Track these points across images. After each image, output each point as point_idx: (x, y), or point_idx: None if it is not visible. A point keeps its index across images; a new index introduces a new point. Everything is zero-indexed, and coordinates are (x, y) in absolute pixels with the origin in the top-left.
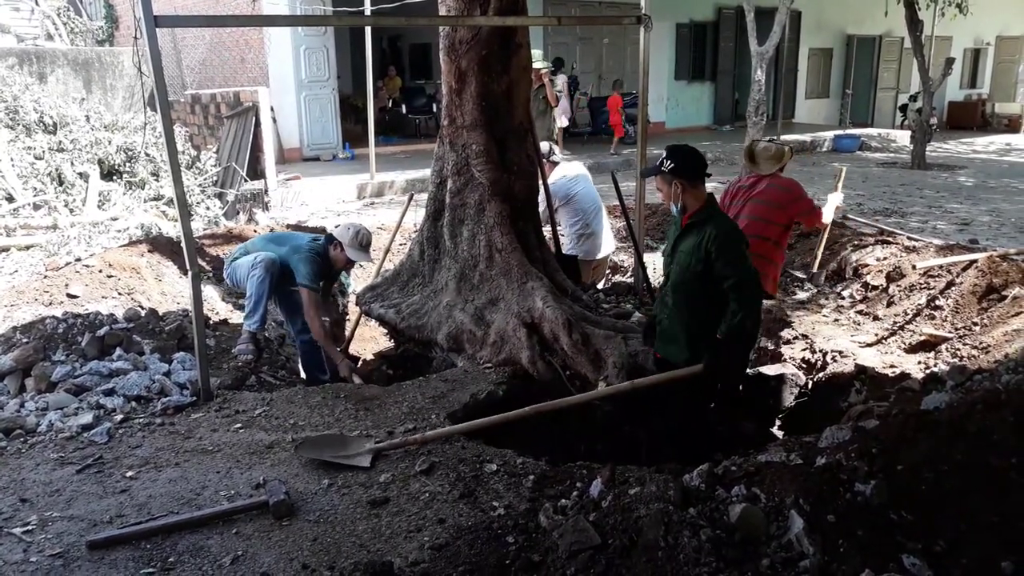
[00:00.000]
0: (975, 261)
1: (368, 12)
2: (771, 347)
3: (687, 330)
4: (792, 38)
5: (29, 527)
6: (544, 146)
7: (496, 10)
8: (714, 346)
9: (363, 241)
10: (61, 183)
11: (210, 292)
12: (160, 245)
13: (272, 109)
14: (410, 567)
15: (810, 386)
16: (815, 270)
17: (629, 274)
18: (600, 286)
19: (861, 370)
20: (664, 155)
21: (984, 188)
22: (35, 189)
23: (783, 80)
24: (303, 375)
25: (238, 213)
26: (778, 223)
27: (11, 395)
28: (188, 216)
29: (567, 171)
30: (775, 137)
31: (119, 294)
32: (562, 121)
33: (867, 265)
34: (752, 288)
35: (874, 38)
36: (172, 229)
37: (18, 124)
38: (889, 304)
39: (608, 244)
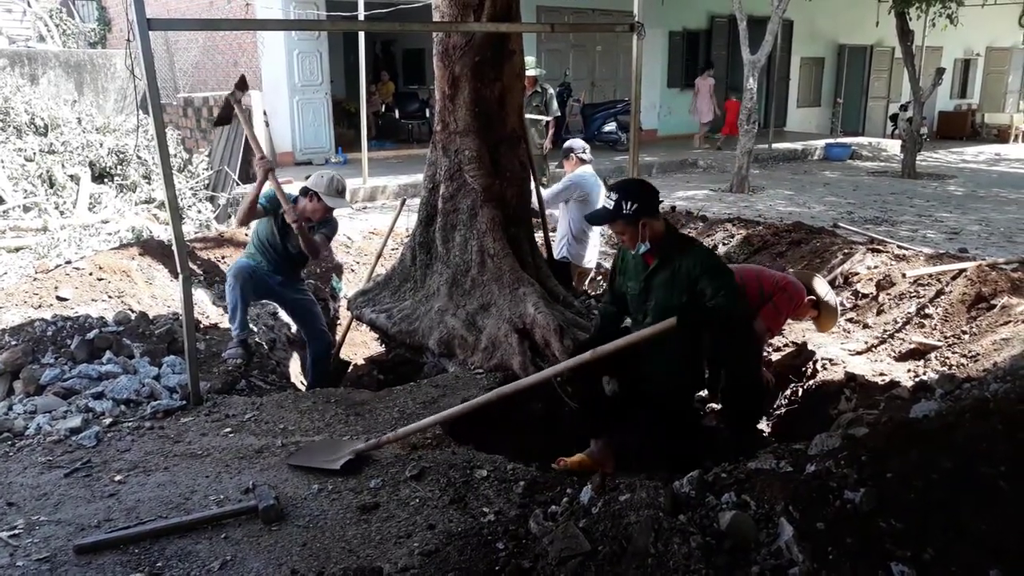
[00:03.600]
0: (964, 270)
1: (362, 17)
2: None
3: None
4: (784, 47)
5: (16, 531)
6: (579, 143)
7: (490, 16)
8: (692, 305)
9: (339, 187)
10: (52, 185)
11: (201, 296)
12: (151, 248)
13: (265, 113)
14: (400, 573)
15: (800, 393)
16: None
17: None
18: (590, 292)
19: (851, 378)
20: (616, 196)
21: (974, 197)
22: (25, 191)
23: (775, 89)
24: (302, 377)
25: (229, 217)
26: (761, 285)
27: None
28: (179, 219)
29: (591, 171)
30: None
31: (109, 297)
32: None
33: (857, 273)
34: (740, 307)
35: (865, 48)
36: (163, 232)
37: (9, 126)
38: (879, 312)
39: (593, 257)
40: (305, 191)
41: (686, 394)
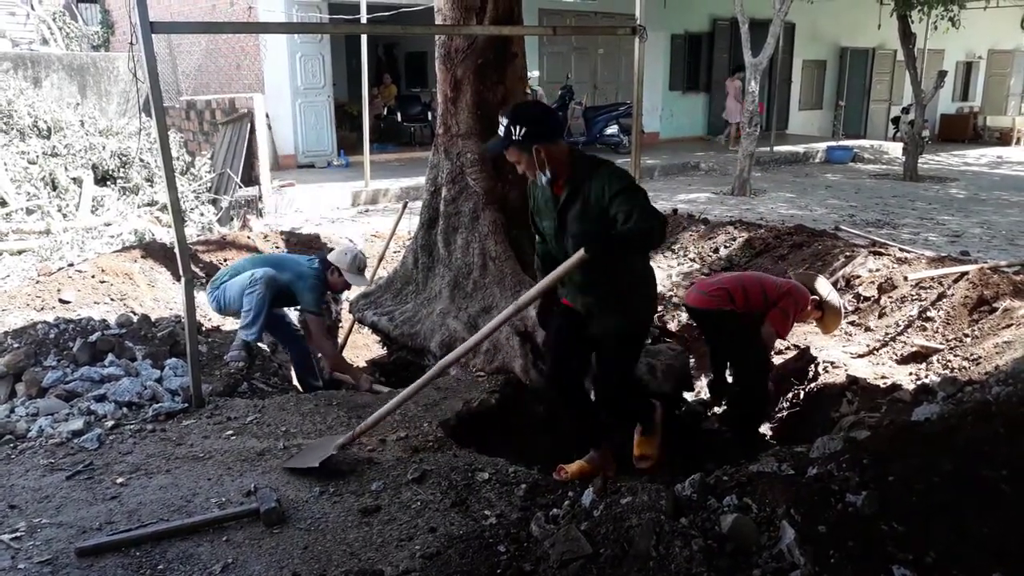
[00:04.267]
0: (966, 273)
1: (364, 20)
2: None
3: (616, 292)
4: (786, 50)
5: (18, 534)
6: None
7: (492, 19)
8: (598, 232)
9: (360, 266)
10: (55, 188)
11: (203, 298)
12: (153, 251)
13: (267, 116)
14: None
15: (802, 396)
16: None
17: None
18: None
19: (853, 381)
20: (505, 122)
21: (976, 200)
22: (28, 194)
23: (777, 91)
24: (296, 383)
25: (232, 219)
26: (763, 293)
27: (1, 400)
28: (182, 222)
29: None
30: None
31: (112, 300)
32: None
33: (859, 276)
34: (657, 223)
35: (867, 50)
36: (166, 235)
37: (12, 128)
38: (881, 315)
39: None
40: (326, 263)
41: (641, 316)
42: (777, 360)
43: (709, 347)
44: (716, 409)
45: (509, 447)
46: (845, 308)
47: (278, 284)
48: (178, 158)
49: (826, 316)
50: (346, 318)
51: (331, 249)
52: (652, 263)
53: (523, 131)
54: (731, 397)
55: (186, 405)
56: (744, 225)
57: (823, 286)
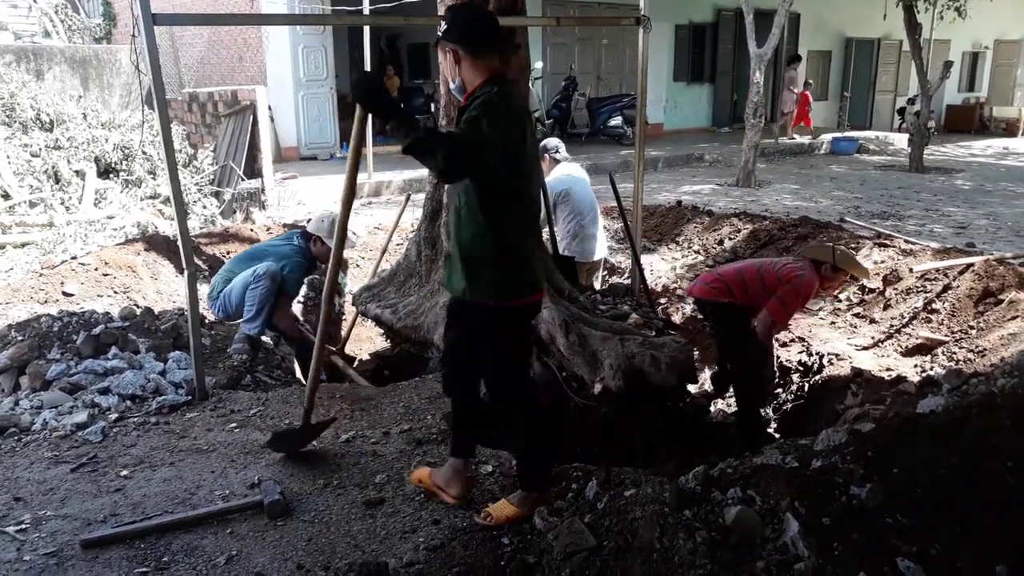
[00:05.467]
0: (972, 265)
1: (367, 11)
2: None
3: (459, 248)
4: (791, 40)
5: (23, 526)
6: (552, 142)
7: (495, 10)
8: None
9: None
10: (57, 181)
11: (206, 291)
12: (156, 244)
13: (270, 108)
14: (405, 568)
15: (806, 388)
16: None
17: (626, 276)
18: (597, 287)
19: (857, 373)
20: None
21: (981, 192)
22: (31, 187)
23: (782, 82)
24: (299, 375)
25: (235, 212)
26: (763, 284)
27: (6, 393)
28: (185, 215)
29: (568, 170)
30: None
31: (115, 292)
32: None
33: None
34: (446, 149)
35: (873, 41)
36: (168, 228)
37: (15, 121)
38: (886, 307)
39: (601, 248)
40: (306, 235)
41: (480, 295)
42: (780, 353)
43: (714, 338)
44: (720, 402)
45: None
46: (849, 301)
47: (281, 276)
48: (180, 150)
49: (850, 273)
50: (349, 311)
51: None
52: (657, 254)
53: (445, 28)
54: (733, 389)
55: (189, 398)
56: (749, 217)
57: (835, 254)
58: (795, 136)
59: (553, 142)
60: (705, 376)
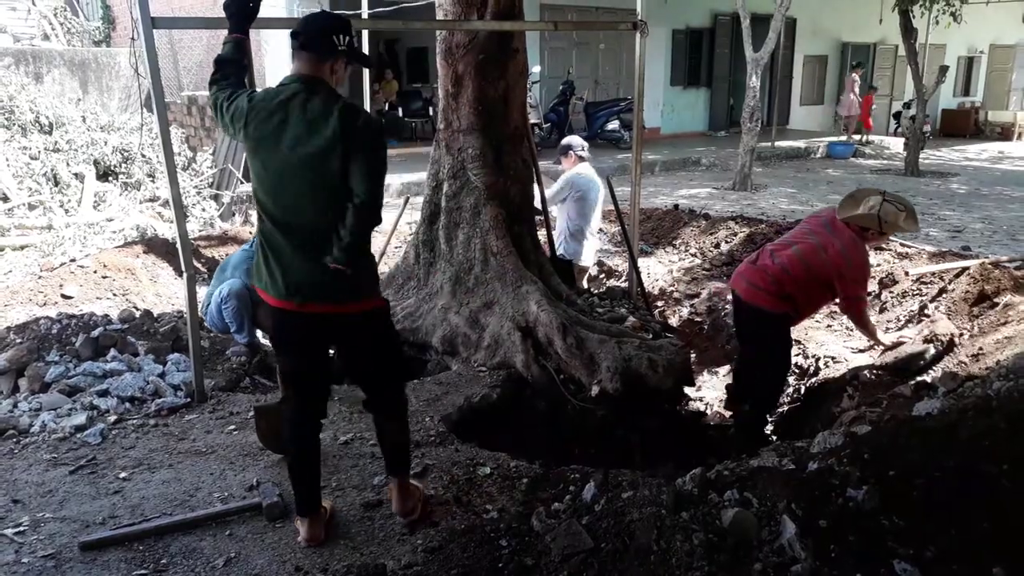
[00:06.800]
0: (967, 268)
1: (365, 15)
2: None
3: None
4: (787, 45)
5: (21, 528)
6: (576, 140)
7: (493, 14)
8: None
9: None
10: (56, 183)
11: (205, 294)
12: (155, 246)
13: None
14: (403, 570)
15: (803, 391)
16: None
17: (623, 279)
18: (594, 290)
19: (854, 376)
20: None
21: (977, 195)
22: (30, 189)
23: (778, 87)
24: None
25: (234, 214)
26: (817, 280)
27: (4, 395)
28: (184, 217)
29: (590, 172)
30: (897, 198)
31: (114, 295)
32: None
33: None
34: (375, 214)
35: (869, 46)
36: (167, 230)
37: (14, 124)
38: (882, 310)
39: (591, 255)
40: None
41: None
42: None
43: (745, 343)
44: (719, 409)
45: (510, 442)
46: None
47: (246, 287)
48: (180, 153)
49: (897, 228)
50: None
51: None
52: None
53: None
54: (755, 396)
55: (188, 400)
56: (745, 220)
57: (875, 218)
58: (866, 138)
59: (578, 141)
60: (703, 379)
